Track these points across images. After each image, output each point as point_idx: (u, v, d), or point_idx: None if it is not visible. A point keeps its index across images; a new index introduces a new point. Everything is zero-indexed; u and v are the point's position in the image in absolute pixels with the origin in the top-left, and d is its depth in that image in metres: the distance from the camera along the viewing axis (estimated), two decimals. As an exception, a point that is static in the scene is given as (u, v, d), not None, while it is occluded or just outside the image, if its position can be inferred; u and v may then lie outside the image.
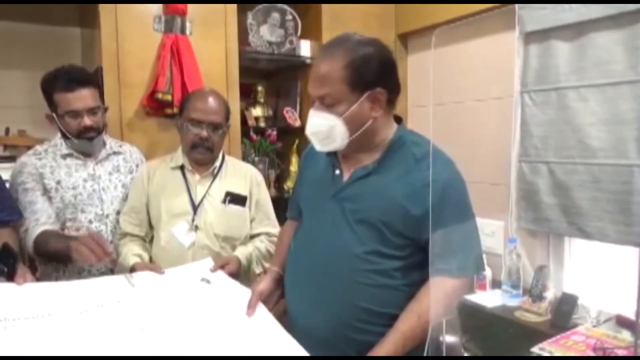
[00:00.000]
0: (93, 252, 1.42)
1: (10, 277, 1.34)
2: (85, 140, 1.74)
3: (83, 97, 1.69)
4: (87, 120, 1.71)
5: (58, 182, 1.75)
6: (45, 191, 1.74)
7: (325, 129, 1.23)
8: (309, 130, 1.27)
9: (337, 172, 1.32)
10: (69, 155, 1.79)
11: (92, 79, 1.77)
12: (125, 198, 1.84)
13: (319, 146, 1.28)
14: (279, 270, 1.45)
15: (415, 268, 1.25)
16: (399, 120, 1.35)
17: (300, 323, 1.31)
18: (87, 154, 1.81)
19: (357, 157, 1.30)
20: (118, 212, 1.82)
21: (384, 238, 1.23)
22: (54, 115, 1.72)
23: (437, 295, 1.18)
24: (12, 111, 2.51)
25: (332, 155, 1.34)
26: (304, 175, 1.48)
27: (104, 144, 1.86)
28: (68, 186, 1.76)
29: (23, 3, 2.25)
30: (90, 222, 1.78)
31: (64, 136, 1.76)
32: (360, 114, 1.22)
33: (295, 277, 1.37)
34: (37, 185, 1.73)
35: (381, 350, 1.18)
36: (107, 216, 1.80)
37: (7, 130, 2.53)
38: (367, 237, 1.23)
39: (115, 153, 1.88)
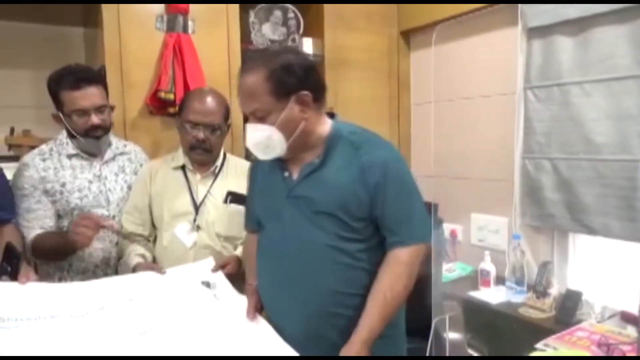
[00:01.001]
0: (89, 228, 1.48)
1: (14, 276, 1.35)
2: (92, 139, 1.73)
3: (90, 95, 1.68)
4: (95, 119, 1.70)
5: (63, 185, 1.73)
6: (47, 194, 1.71)
7: (262, 139, 1.31)
8: (248, 143, 1.35)
9: (286, 173, 1.39)
10: (75, 155, 1.78)
11: (99, 78, 1.77)
12: None
13: (262, 155, 1.36)
14: (256, 284, 1.48)
15: (378, 248, 1.34)
16: (332, 116, 1.43)
17: (285, 325, 1.34)
18: (93, 154, 1.80)
19: (301, 157, 1.37)
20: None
21: (344, 224, 1.31)
22: (60, 114, 1.71)
23: (397, 268, 1.29)
24: (16, 111, 2.52)
25: (278, 160, 1.39)
26: (255, 187, 1.54)
27: (110, 143, 1.85)
28: (73, 189, 1.74)
29: (26, 3, 2.25)
30: None
31: (71, 135, 1.75)
32: (291, 119, 1.30)
33: (269, 283, 1.41)
34: (35, 191, 1.70)
35: (356, 338, 1.24)
36: (114, 217, 1.79)
37: (12, 130, 2.53)
38: (329, 226, 1.31)
39: (121, 153, 1.88)
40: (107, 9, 2.12)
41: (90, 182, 1.78)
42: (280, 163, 1.40)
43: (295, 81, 1.28)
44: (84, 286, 1.46)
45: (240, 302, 1.44)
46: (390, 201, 1.29)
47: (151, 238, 1.82)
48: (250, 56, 1.38)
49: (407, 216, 1.31)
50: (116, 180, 1.83)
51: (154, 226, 1.82)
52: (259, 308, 1.43)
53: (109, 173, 1.82)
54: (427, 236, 1.34)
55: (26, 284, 1.32)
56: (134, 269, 1.62)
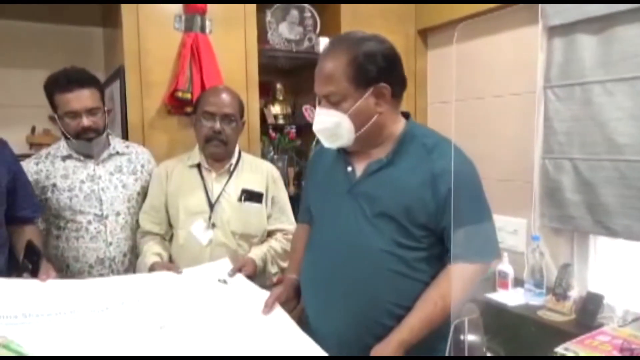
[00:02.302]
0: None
1: (34, 273, 1.37)
2: (84, 140, 1.74)
3: (81, 98, 1.69)
4: (86, 121, 1.71)
5: (54, 185, 1.76)
6: (39, 196, 1.75)
7: (331, 125, 1.25)
8: (315, 128, 1.29)
9: (349, 168, 1.32)
10: (68, 156, 1.80)
11: (92, 80, 1.77)
12: (126, 199, 1.83)
13: (327, 143, 1.30)
14: (296, 277, 1.44)
15: (437, 259, 1.26)
16: (406, 116, 1.36)
17: (324, 325, 1.30)
18: (87, 155, 1.81)
19: (368, 152, 1.31)
20: (118, 214, 1.81)
21: (404, 230, 1.23)
22: (56, 116, 1.74)
23: (457, 281, 1.20)
24: (37, 110, 2.55)
25: (342, 152, 1.34)
26: (313, 177, 1.49)
27: (108, 144, 1.85)
28: (64, 188, 1.76)
29: (47, 3, 2.29)
30: (90, 222, 1.77)
31: (65, 137, 1.77)
32: (365, 110, 1.24)
33: (315, 280, 1.36)
34: None
35: (395, 337, 1.18)
36: (107, 217, 1.79)
37: (33, 129, 2.59)
38: (387, 230, 1.24)
39: (119, 154, 1.87)
40: (126, 9, 2.14)
41: (82, 182, 1.78)
42: (345, 156, 1.34)
43: (377, 71, 1.22)
44: (103, 282, 1.48)
45: (260, 295, 1.43)
46: (462, 211, 1.16)
47: (167, 237, 1.84)
48: (335, 39, 1.30)
49: (477, 230, 1.22)
50: (110, 180, 1.82)
51: (170, 225, 1.83)
52: (283, 299, 1.39)
53: (104, 173, 1.82)
54: (493, 255, 1.28)
55: (46, 281, 1.34)
56: (151, 268, 1.64)
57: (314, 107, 2.83)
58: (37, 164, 1.80)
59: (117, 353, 1.13)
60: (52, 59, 2.57)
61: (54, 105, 1.73)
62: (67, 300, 1.29)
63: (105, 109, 1.81)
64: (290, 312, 1.40)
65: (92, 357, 1.12)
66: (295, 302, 1.43)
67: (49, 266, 1.42)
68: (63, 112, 1.71)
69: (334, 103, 1.24)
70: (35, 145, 2.52)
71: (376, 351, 1.19)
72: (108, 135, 1.87)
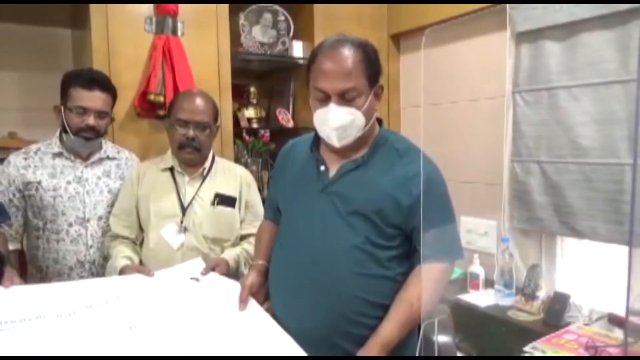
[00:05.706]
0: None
1: (-3, 280, 1.33)
2: (82, 139, 1.74)
3: (97, 99, 1.73)
4: (92, 120, 1.72)
5: (39, 183, 1.75)
6: (23, 192, 1.74)
7: (347, 123, 1.25)
8: (333, 125, 1.25)
9: (322, 168, 1.34)
10: (59, 154, 1.79)
11: (112, 88, 1.81)
12: (110, 204, 1.83)
13: (336, 141, 1.28)
14: (265, 263, 1.45)
15: (405, 257, 1.30)
16: (379, 121, 1.40)
17: (295, 322, 1.29)
18: (78, 155, 1.80)
19: (343, 153, 1.33)
20: (100, 218, 1.81)
21: (377, 229, 1.26)
22: (62, 107, 1.74)
23: (427, 281, 1.23)
24: (2, 113, 2.49)
25: (316, 152, 1.36)
26: (283, 175, 1.48)
27: (100, 148, 1.85)
28: (49, 187, 1.75)
29: (13, 3, 2.23)
30: (70, 225, 1.77)
31: (64, 131, 1.76)
32: (372, 107, 1.29)
33: (285, 277, 1.36)
34: (10, 187, 1.73)
35: (376, 341, 1.19)
36: (88, 220, 1.79)
37: (-2, 132, 2.51)
38: (360, 227, 1.26)
39: (109, 158, 1.87)
40: (95, 10, 2.10)
41: (69, 182, 1.78)
42: (318, 155, 1.36)
43: (379, 70, 1.28)
44: (70, 286, 1.45)
45: (233, 289, 1.41)
46: (431, 214, 1.20)
47: (138, 241, 1.81)
48: (335, 40, 1.28)
49: (444, 232, 1.28)
50: (97, 184, 1.82)
51: (141, 229, 1.80)
52: (255, 287, 1.39)
53: (92, 176, 1.82)
54: (460, 255, 1.32)
55: (10, 287, 1.31)
56: (121, 272, 1.61)
57: (288, 110, 2.85)
58: (25, 159, 1.77)
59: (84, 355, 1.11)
60: (18, 61, 2.52)
61: (65, 97, 1.73)
62: (32, 306, 1.26)
63: (112, 116, 1.83)
64: (264, 298, 1.40)
65: (63, 357, 1.10)
66: (266, 288, 1.42)
67: (13, 272, 1.39)
68: (74, 106, 1.71)
69: (350, 99, 1.24)
70: (0, 149, 2.45)
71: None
72: (102, 139, 1.87)
